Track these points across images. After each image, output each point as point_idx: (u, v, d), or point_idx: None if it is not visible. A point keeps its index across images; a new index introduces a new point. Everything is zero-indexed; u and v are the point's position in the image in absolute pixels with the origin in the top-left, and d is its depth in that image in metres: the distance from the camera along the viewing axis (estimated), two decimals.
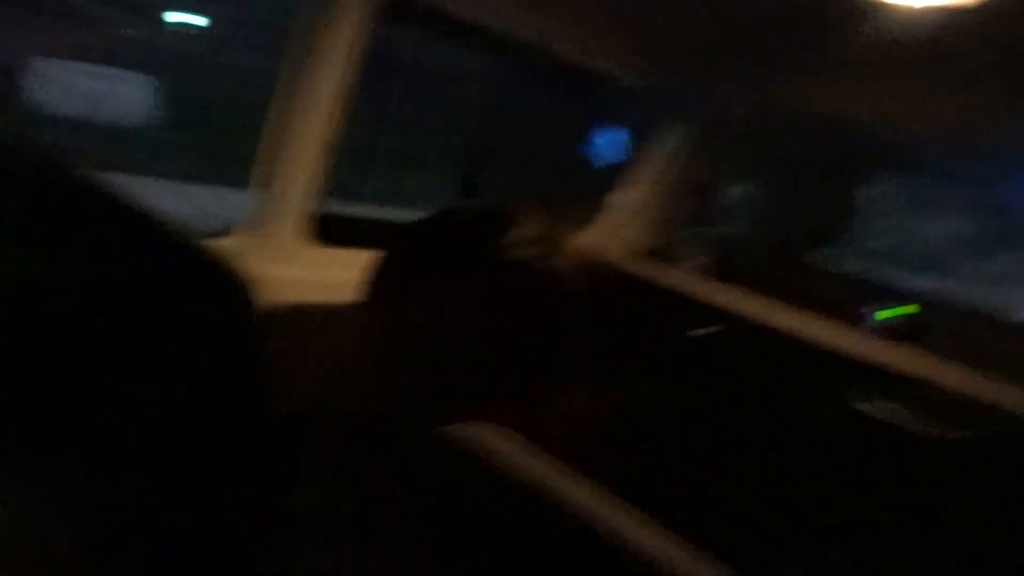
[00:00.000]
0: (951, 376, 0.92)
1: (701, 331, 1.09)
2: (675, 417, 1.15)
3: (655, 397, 1.18)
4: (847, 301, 1.95)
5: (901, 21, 1.54)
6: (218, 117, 12.21)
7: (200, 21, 14.16)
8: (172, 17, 14.05)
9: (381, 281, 0.66)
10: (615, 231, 2.55)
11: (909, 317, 2.93)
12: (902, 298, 2.99)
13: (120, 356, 0.80)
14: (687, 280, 1.18)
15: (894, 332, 2.89)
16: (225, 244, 1.65)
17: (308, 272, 1.76)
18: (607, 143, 2.71)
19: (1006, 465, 0.88)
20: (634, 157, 2.57)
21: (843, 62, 1.92)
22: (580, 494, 0.39)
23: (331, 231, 1.82)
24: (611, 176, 2.65)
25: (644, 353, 1.20)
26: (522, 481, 0.41)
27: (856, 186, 2.35)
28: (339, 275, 1.81)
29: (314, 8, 1.56)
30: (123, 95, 11.64)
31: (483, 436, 0.44)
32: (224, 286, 0.72)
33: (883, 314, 2.92)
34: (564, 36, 1.99)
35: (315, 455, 0.71)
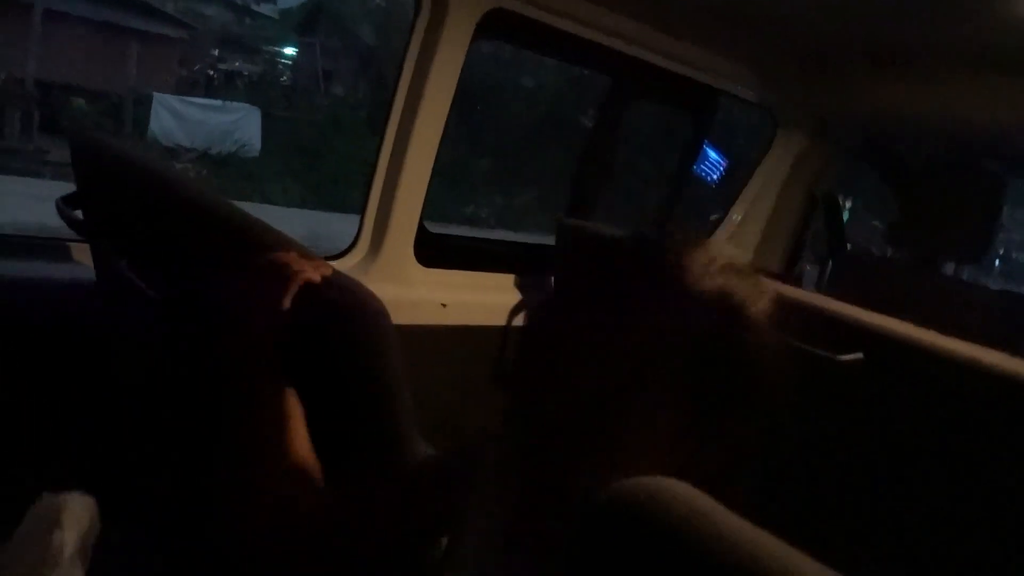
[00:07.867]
0: None
1: (847, 356, 1.00)
2: (836, 453, 1.06)
3: (809, 431, 1.09)
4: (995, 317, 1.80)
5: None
6: (319, 145, 12.63)
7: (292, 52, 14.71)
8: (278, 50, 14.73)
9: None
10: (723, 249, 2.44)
11: None
12: None
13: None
14: (830, 302, 1.09)
15: None
16: (342, 266, 1.66)
17: (420, 292, 1.76)
18: (719, 159, 2.61)
19: None
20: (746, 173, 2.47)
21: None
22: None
23: (437, 253, 1.82)
24: (723, 193, 2.56)
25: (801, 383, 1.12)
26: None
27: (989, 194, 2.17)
28: (446, 295, 1.82)
29: (420, 34, 1.56)
30: (235, 126, 12.24)
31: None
32: (366, 310, 0.70)
33: None
34: (673, 49, 1.92)
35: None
